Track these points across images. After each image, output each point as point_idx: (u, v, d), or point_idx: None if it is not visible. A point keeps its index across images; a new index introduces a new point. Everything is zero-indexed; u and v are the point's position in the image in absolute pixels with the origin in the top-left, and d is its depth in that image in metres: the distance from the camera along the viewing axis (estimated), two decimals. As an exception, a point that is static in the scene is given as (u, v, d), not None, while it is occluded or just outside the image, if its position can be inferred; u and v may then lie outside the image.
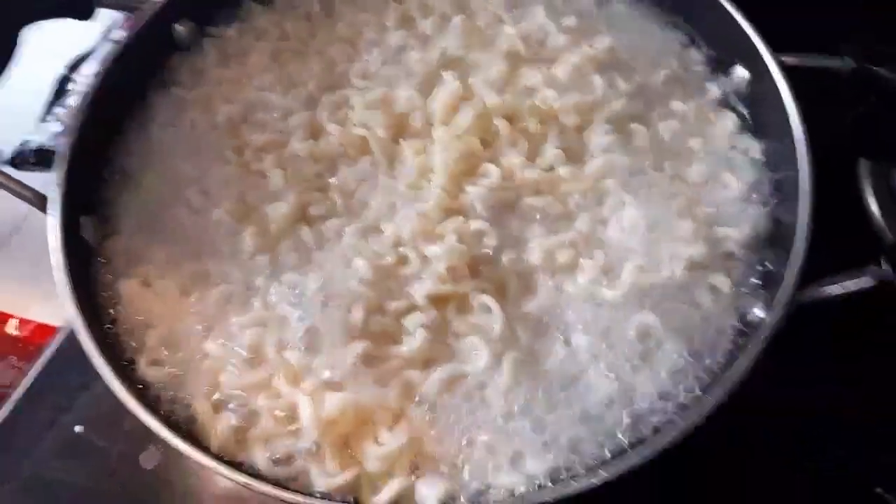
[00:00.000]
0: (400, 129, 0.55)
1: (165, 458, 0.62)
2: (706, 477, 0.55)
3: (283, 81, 0.59)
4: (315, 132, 0.56)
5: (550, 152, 0.53)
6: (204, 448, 0.45)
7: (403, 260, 0.50)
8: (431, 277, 0.48)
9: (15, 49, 0.54)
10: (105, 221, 0.55)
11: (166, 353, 0.50)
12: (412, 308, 0.48)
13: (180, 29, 0.61)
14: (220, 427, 0.45)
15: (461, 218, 0.50)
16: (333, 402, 0.44)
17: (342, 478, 0.44)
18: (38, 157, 0.87)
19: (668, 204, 0.51)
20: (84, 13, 0.57)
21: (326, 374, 0.45)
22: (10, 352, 0.79)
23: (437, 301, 0.48)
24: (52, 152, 0.86)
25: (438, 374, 0.45)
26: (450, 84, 0.55)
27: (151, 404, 0.47)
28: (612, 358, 0.46)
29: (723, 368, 0.45)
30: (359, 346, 0.46)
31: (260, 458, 0.45)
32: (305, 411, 0.44)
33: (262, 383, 0.47)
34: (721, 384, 0.42)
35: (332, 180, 0.54)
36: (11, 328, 0.81)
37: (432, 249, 0.49)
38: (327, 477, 0.44)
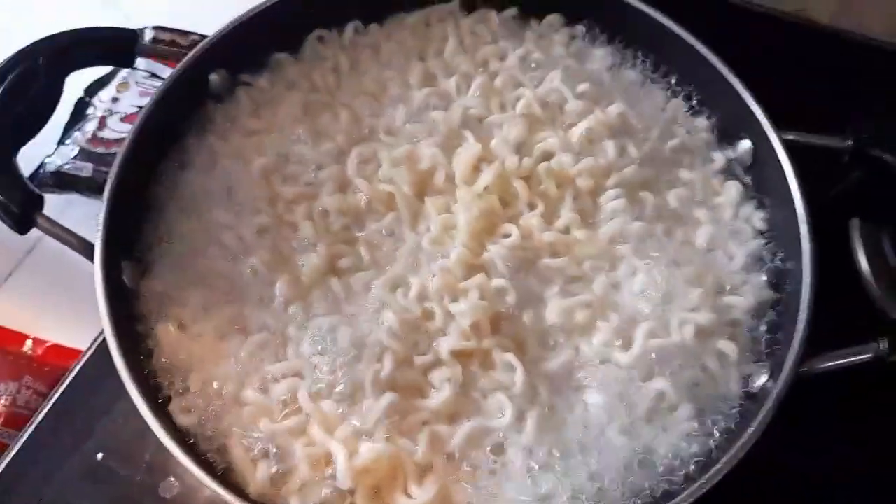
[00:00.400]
0: (423, 186, 0.58)
1: (184, 488, 0.64)
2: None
3: (313, 133, 0.61)
4: (343, 186, 0.59)
5: (566, 215, 0.56)
6: (242, 494, 0.47)
7: (429, 314, 0.53)
8: (455, 333, 0.51)
9: (61, 96, 0.56)
10: (142, 264, 0.58)
11: (200, 399, 0.52)
12: (438, 363, 0.51)
13: (214, 78, 0.63)
14: (260, 473, 0.48)
15: (483, 275, 0.53)
16: (367, 451, 0.47)
17: None
18: (55, 180, 0.88)
19: (677, 271, 0.54)
20: (127, 62, 0.59)
21: (357, 424, 0.48)
22: (26, 372, 0.80)
23: (461, 356, 0.51)
24: (70, 175, 0.89)
25: (466, 428, 0.48)
26: (471, 146, 0.58)
27: (189, 446, 0.50)
28: (626, 419, 0.49)
29: (731, 435, 0.49)
30: (388, 398, 0.49)
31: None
32: (340, 459, 0.47)
33: (297, 430, 0.49)
34: (730, 451, 0.45)
35: (360, 234, 0.57)
36: (27, 348, 0.83)
37: (457, 306, 0.52)
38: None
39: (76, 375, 0.70)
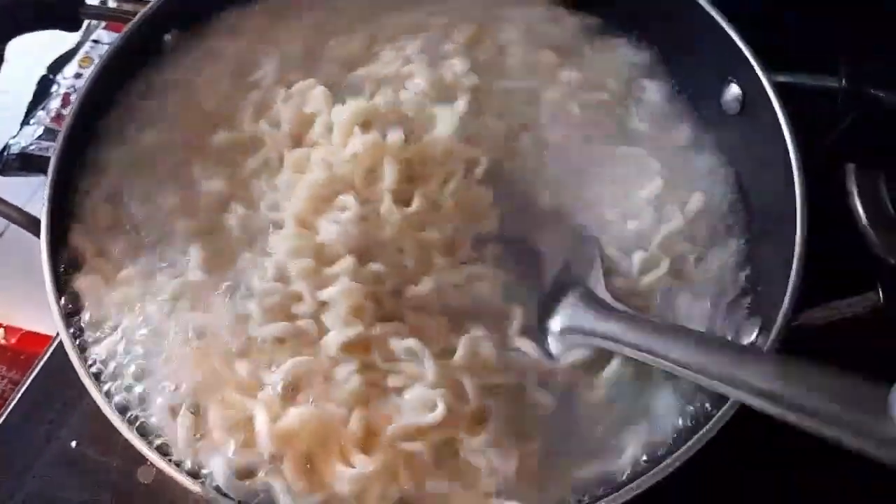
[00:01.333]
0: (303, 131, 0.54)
1: (162, 472, 0.62)
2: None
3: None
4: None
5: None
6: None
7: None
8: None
9: (2, 63, 0.53)
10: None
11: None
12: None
13: (168, 38, 0.60)
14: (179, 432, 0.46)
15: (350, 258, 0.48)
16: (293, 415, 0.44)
17: (313, 500, 0.43)
18: (22, 162, 0.86)
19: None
20: (71, 25, 0.55)
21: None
22: (0, 361, 0.78)
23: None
24: (37, 157, 0.86)
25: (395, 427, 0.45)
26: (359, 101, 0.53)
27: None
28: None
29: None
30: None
31: (218, 468, 0.45)
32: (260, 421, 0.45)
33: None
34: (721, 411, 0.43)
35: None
36: (-1, 337, 0.81)
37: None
38: (295, 497, 0.44)
39: (46, 362, 0.68)
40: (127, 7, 0.58)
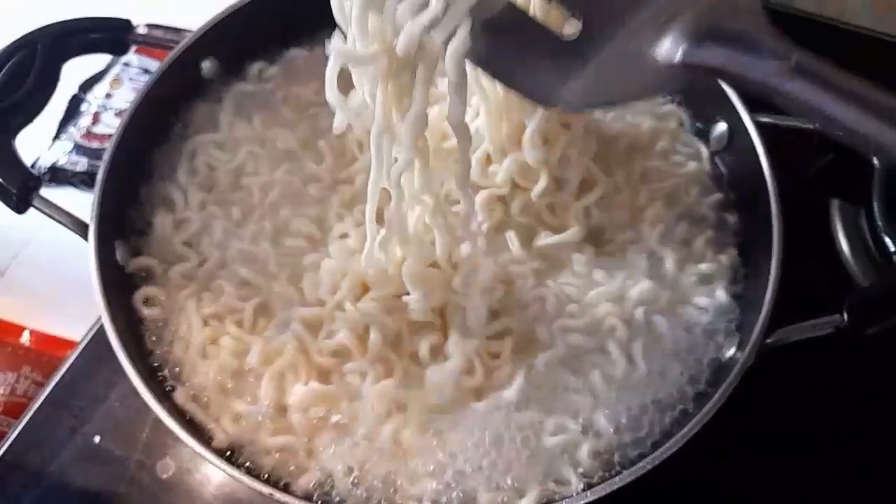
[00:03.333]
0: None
1: (180, 467, 0.66)
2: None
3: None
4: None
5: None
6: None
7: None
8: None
9: (58, 83, 0.58)
10: (135, 244, 0.59)
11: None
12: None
13: (207, 66, 0.65)
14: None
15: None
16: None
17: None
18: (51, 175, 0.90)
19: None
20: (119, 49, 0.61)
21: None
22: (25, 363, 0.81)
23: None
24: (66, 170, 0.90)
25: None
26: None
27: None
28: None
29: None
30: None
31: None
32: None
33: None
34: (699, 416, 0.47)
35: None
36: (24, 339, 0.84)
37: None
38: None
39: (72, 364, 0.72)
40: (156, 34, 0.63)
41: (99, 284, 0.52)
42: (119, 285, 0.57)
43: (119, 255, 0.57)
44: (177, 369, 0.55)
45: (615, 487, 0.45)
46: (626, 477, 0.45)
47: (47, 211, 0.54)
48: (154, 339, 0.56)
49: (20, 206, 0.54)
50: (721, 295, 0.56)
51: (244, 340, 0.54)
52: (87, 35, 0.58)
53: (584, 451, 0.49)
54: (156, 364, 0.56)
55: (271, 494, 0.47)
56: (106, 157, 0.56)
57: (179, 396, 0.54)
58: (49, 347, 0.83)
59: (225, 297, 0.56)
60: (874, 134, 0.31)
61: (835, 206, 0.70)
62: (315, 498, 0.50)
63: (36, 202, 0.55)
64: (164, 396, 0.53)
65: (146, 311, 0.55)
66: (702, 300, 0.56)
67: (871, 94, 0.31)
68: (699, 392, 0.52)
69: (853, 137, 0.32)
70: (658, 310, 0.55)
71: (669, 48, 0.34)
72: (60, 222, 0.54)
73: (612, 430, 0.50)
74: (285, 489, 0.50)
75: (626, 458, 0.50)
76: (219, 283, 0.57)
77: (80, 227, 0.54)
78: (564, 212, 0.57)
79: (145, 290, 0.56)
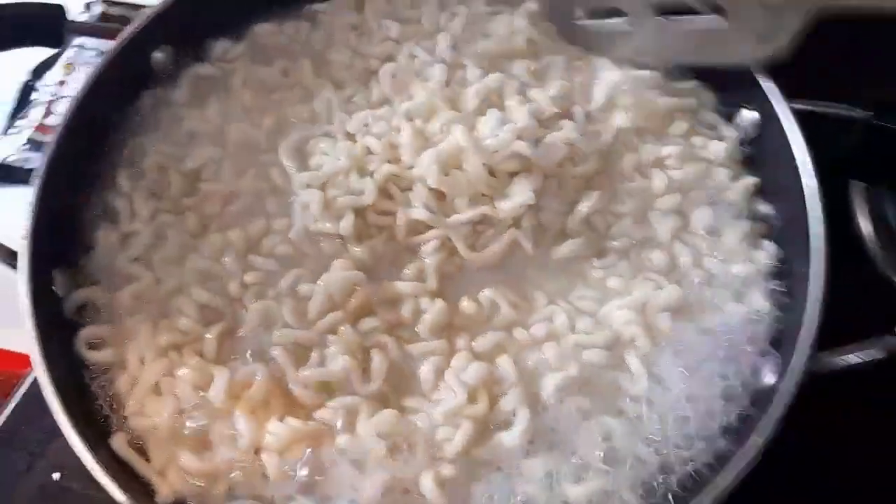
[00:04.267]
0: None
1: (149, 509, 0.60)
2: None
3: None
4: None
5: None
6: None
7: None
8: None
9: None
10: (76, 271, 0.52)
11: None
12: None
13: (159, 56, 0.57)
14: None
15: None
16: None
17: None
18: (3, 173, 0.83)
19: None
20: (54, 41, 0.52)
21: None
22: (-25, 383, 0.75)
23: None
24: (17, 168, 0.82)
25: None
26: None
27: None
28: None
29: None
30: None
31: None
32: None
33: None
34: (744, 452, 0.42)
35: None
36: (-27, 356, 0.78)
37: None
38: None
39: (26, 391, 0.66)
40: (113, 12, 0.55)
41: (33, 327, 0.45)
42: (59, 319, 0.50)
43: (58, 285, 0.50)
44: (123, 412, 0.49)
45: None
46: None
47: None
48: (100, 382, 0.49)
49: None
50: (758, 301, 0.49)
51: (207, 371, 0.47)
52: (11, 26, 0.50)
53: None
54: (98, 405, 0.49)
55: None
56: (40, 170, 0.49)
57: (118, 444, 0.47)
58: (4, 363, 0.77)
59: (183, 322, 0.49)
60: None
61: (857, 192, 0.63)
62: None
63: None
64: (102, 445, 0.46)
65: (91, 356, 0.48)
66: (734, 305, 0.49)
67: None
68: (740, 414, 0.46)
69: None
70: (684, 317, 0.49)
71: None
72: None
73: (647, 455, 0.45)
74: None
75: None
76: (176, 305, 0.49)
77: (9, 256, 0.46)
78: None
79: (89, 331, 0.48)
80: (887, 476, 0.56)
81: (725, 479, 0.42)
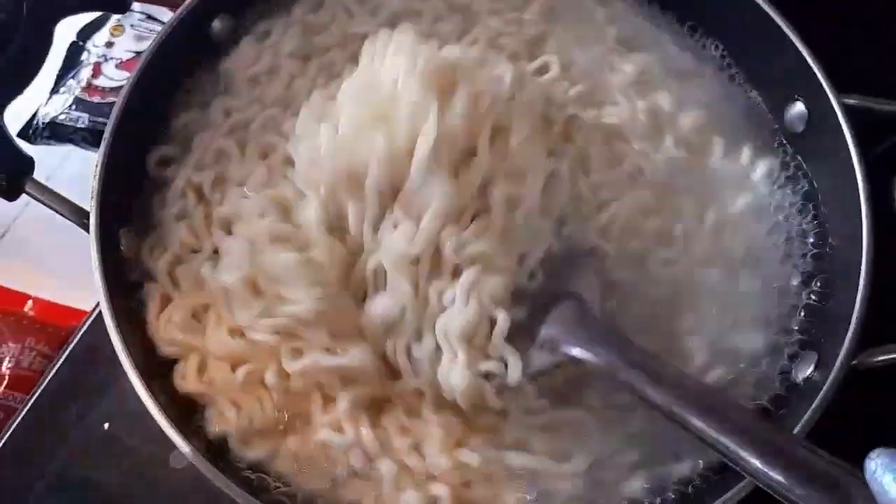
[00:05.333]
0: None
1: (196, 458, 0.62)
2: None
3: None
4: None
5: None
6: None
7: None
8: None
9: (49, 47, 0.51)
10: (142, 232, 0.54)
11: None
12: None
13: (217, 25, 0.58)
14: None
15: None
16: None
17: None
18: (51, 131, 0.84)
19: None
20: (120, 7, 0.54)
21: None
22: (29, 333, 0.78)
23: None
24: (66, 126, 0.84)
25: None
26: None
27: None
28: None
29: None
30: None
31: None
32: None
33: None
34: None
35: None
36: (28, 308, 0.80)
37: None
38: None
39: (79, 341, 0.68)
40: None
41: (102, 281, 0.47)
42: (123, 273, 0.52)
43: (124, 244, 0.51)
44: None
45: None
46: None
47: (41, 198, 0.49)
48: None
49: (10, 195, 0.48)
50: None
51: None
52: (81, -11, 0.51)
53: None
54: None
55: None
56: (107, 133, 0.50)
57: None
58: (55, 317, 0.80)
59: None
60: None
61: None
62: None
63: (29, 187, 0.49)
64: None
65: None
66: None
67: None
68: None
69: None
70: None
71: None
72: (57, 211, 0.48)
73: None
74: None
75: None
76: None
77: (80, 216, 0.48)
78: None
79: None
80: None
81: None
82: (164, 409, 0.45)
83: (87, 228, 0.47)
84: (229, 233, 0.51)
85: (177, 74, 0.57)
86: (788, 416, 0.45)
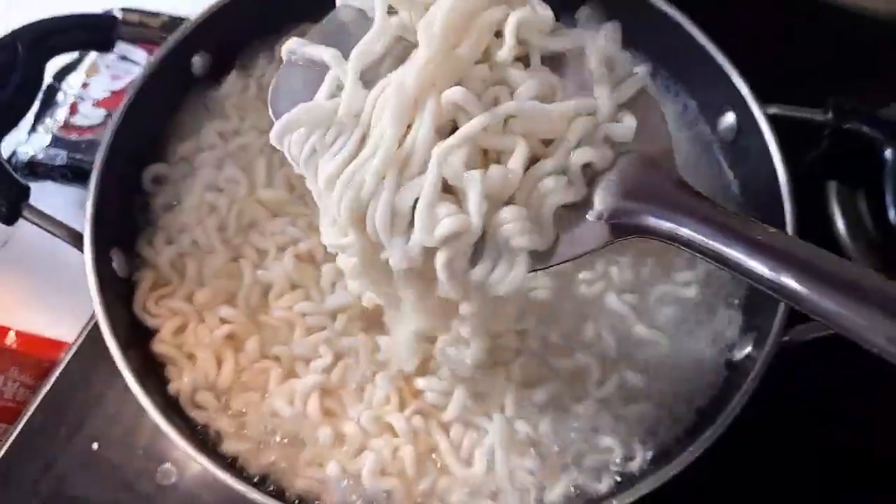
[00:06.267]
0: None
1: (183, 474, 0.65)
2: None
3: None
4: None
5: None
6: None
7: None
8: None
9: (41, 84, 0.55)
10: (132, 251, 0.57)
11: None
12: None
13: (197, 60, 0.62)
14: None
15: None
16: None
17: None
18: (30, 169, 0.87)
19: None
20: (105, 47, 0.58)
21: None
22: (11, 364, 0.79)
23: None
24: (44, 164, 0.87)
25: None
26: None
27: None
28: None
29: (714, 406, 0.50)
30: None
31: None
32: None
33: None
34: (719, 418, 0.47)
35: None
36: (10, 341, 0.82)
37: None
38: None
39: (65, 368, 0.71)
40: (152, 24, 0.60)
41: (98, 296, 0.50)
42: (116, 291, 0.55)
43: (116, 264, 0.55)
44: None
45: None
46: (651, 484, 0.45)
47: (37, 221, 0.52)
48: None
49: (9, 220, 0.51)
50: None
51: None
52: (71, 32, 0.55)
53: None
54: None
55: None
56: (99, 156, 0.54)
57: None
58: (36, 349, 0.81)
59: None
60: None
61: (833, 193, 0.70)
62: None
63: (25, 213, 0.52)
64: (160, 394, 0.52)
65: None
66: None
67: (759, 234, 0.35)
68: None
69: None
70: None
71: (596, 209, 0.37)
72: (52, 233, 0.52)
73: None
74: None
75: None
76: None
77: (74, 238, 0.52)
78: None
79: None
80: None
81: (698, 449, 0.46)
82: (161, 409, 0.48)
83: (80, 248, 0.51)
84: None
85: (165, 103, 0.61)
86: (727, 391, 0.49)
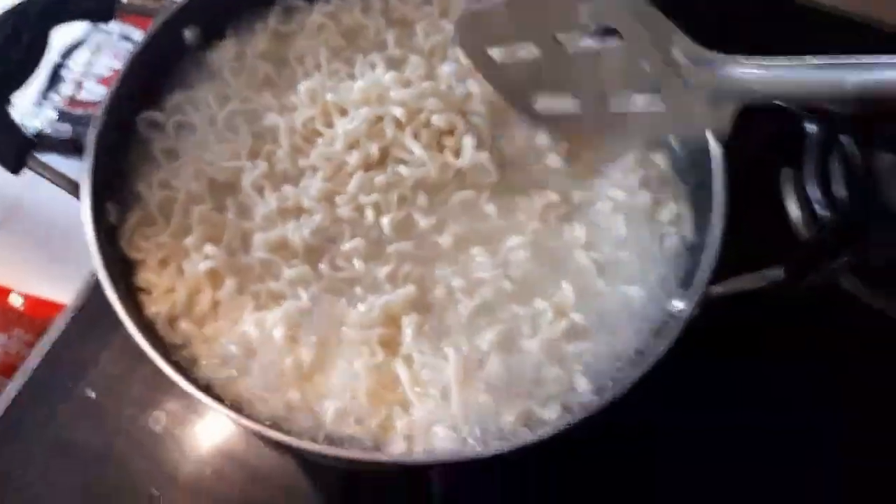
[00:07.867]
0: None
1: (172, 420, 0.70)
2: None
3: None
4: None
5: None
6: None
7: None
8: None
9: (45, 49, 0.60)
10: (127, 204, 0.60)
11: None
12: None
13: (189, 34, 0.66)
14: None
15: None
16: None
17: None
18: (37, 142, 0.92)
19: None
20: (105, 17, 0.62)
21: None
22: (16, 325, 0.84)
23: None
24: (52, 137, 0.92)
25: None
26: None
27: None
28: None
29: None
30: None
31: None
32: None
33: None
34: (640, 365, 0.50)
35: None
36: (15, 302, 0.86)
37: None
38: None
39: (64, 327, 0.75)
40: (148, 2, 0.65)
41: (95, 240, 0.54)
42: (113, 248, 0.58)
43: (112, 217, 0.58)
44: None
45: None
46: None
47: (40, 171, 0.57)
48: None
49: (15, 168, 0.56)
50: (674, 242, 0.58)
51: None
52: (76, 2, 0.60)
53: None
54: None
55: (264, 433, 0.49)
56: (98, 118, 0.58)
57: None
58: (37, 311, 0.86)
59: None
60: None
61: (787, 178, 0.73)
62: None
63: (30, 163, 0.57)
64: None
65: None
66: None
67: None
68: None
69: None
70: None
71: None
72: (53, 182, 0.56)
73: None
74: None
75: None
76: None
77: (73, 187, 0.56)
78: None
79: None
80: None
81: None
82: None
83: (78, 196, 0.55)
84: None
85: (161, 66, 0.65)
86: (658, 343, 0.51)
